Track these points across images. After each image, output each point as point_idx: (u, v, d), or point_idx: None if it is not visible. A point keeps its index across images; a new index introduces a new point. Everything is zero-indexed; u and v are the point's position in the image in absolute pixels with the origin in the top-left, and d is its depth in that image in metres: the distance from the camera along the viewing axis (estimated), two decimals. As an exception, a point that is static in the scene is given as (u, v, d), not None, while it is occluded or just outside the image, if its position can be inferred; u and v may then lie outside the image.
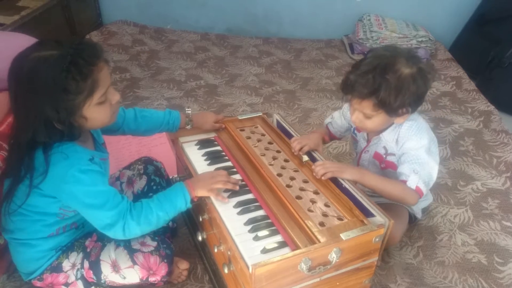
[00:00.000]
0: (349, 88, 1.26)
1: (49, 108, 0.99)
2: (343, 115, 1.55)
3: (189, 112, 1.47)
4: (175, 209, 1.15)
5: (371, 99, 1.22)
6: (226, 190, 1.23)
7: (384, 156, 1.41)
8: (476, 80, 2.81)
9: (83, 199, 1.05)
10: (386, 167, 1.42)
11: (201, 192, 1.18)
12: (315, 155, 1.37)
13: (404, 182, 1.29)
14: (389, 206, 1.50)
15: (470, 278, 1.43)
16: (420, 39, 3.06)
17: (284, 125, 1.54)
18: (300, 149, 1.35)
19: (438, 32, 3.25)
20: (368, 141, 1.45)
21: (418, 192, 1.28)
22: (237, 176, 1.31)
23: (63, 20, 3.00)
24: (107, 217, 1.06)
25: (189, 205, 1.17)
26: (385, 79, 1.19)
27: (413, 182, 1.28)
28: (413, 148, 1.31)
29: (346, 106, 1.52)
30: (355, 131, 1.51)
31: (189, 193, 1.16)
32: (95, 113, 1.06)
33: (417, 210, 1.58)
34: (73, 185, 1.03)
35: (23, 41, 1.61)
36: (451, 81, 2.81)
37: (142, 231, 1.12)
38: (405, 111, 1.26)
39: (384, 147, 1.40)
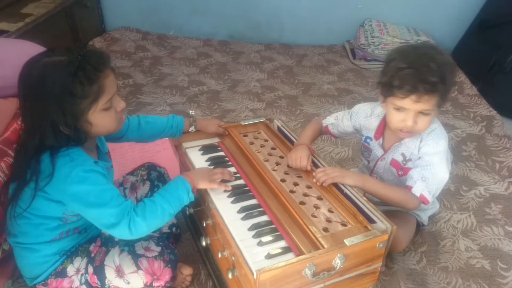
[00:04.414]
0: (412, 85, 1.14)
1: (55, 111, 1.01)
2: (351, 121, 1.48)
3: (193, 113, 1.51)
4: (178, 200, 1.14)
5: (437, 90, 1.16)
6: (230, 195, 1.24)
7: (403, 163, 1.39)
8: (478, 85, 2.81)
9: (87, 198, 1.05)
10: (404, 174, 1.39)
11: (202, 184, 1.22)
12: (317, 160, 1.37)
13: (410, 188, 1.29)
14: (397, 212, 1.49)
15: (473, 284, 1.42)
16: (421, 45, 3.06)
17: (285, 130, 1.54)
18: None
19: (440, 37, 3.26)
20: (386, 149, 1.43)
21: (422, 200, 1.28)
22: (241, 181, 1.31)
23: (66, 27, 3.02)
24: (111, 215, 1.05)
25: (191, 196, 1.17)
26: (441, 65, 1.16)
27: (418, 189, 1.28)
28: (428, 153, 1.30)
29: (355, 111, 1.47)
30: (367, 140, 1.48)
31: (190, 184, 1.17)
32: (100, 119, 1.07)
33: (425, 218, 1.58)
34: (77, 184, 1.04)
35: (27, 48, 1.63)
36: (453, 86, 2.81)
37: (149, 227, 1.09)
38: (446, 101, 1.25)
39: (403, 154, 1.38)
